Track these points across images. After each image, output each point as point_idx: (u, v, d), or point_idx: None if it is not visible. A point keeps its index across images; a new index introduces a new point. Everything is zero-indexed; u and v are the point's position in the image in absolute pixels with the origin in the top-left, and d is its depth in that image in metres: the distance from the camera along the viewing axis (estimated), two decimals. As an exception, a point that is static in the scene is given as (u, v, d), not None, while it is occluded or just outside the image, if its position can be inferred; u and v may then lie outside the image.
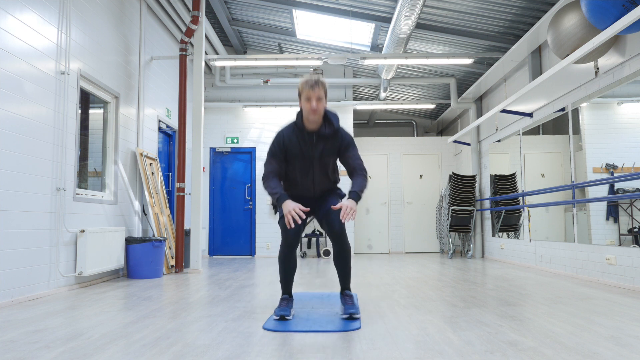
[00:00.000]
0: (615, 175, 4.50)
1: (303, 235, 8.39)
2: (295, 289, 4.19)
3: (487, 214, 7.86)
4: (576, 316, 2.92)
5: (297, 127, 2.96)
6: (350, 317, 2.84)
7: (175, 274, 5.63)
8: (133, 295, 3.95)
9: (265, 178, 2.95)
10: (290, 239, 2.90)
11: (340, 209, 2.79)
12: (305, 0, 6.37)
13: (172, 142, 7.32)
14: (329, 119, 2.95)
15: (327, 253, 8.25)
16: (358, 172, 2.91)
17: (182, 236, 5.83)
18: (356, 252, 9.31)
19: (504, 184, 7.25)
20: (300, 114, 2.94)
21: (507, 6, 5.55)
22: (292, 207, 2.74)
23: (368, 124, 10.78)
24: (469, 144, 8.52)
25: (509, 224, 7.09)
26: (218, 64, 7.01)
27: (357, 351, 2.17)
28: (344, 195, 3.05)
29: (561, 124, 5.45)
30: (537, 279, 4.89)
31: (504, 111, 6.40)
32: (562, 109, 5.36)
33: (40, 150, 3.94)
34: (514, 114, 6.43)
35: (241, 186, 8.74)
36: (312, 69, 8.72)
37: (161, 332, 2.55)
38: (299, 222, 2.78)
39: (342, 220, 2.72)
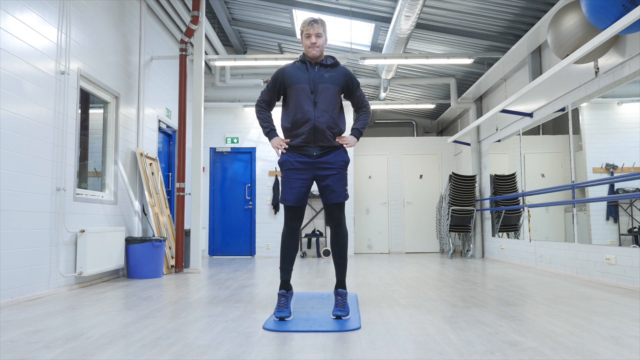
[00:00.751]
0: (615, 175, 4.50)
1: (303, 235, 8.39)
2: (296, 289, 4.19)
3: (487, 214, 7.86)
4: (576, 316, 2.92)
5: (299, 61, 3.15)
6: (337, 318, 2.84)
7: (175, 274, 5.63)
8: (133, 295, 3.95)
9: (259, 106, 3.18)
10: (292, 219, 3.02)
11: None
12: (305, 0, 6.38)
13: (172, 142, 7.32)
14: (330, 56, 3.17)
15: (327, 253, 8.24)
16: (363, 110, 3.22)
17: (182, 236, 5.83)
18: (356, 252, 9.31)
19: (504, 184, 7.25)
20: (302, 55, 3.14)
21: (507, 6, 5.55)
22: (280, 141, 3.07)
23: (368, 124, 10.77)
24: (469, 144, 8.52)
25: (509, 224, 7.09)
26: (218, 64, 7.01)
27: (357, 351, 2.17)
28: (349, 160, 3.10)
29: (561, 124, 5.45)
30: (537, 279, 4.89)
31: (504, 111, 6.40)
32: (562, 109, 5.36)
33: (40, 150, 3.94)
34: (514, 114, 6.43)
35: (241, 186, 8.74)
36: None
37: (161, 332, 2.55)
38: (284, 151, 3.03)
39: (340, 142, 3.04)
